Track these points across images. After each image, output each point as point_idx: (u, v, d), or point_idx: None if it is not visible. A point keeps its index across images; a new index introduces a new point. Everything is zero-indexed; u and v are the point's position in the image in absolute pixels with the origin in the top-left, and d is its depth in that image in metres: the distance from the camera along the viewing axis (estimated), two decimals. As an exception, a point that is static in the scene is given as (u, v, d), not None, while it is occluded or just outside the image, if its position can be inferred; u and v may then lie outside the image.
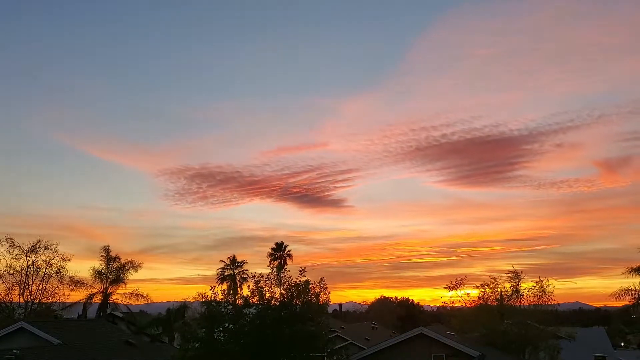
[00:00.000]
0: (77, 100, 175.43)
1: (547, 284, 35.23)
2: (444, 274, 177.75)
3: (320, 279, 28.38)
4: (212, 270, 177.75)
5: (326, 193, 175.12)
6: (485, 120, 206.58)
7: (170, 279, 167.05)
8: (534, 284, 35.52)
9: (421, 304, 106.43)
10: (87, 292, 47.04)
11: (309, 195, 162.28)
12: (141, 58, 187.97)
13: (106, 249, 48.06)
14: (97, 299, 47.45)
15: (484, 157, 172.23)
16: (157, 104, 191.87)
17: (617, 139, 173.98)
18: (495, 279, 36.67)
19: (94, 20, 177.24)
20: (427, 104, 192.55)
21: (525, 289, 35.69)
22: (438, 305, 78.41)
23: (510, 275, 36.13)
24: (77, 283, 45.55)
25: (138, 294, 47.90)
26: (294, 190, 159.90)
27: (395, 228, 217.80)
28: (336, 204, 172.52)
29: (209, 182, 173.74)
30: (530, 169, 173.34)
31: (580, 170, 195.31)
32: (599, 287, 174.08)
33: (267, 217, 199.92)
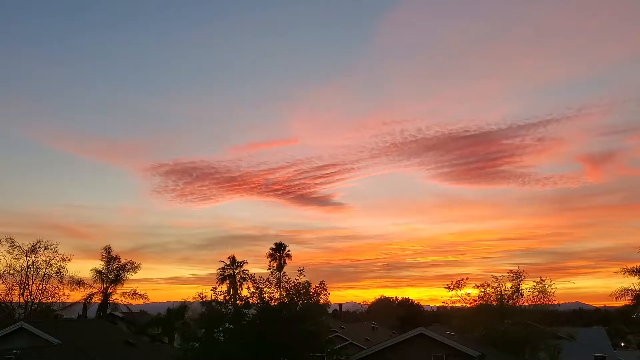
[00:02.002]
0: (35, 92, 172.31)
1: (548, 284, 35.21)
2: (440, 273, 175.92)
3: (321, 281, 28.44)
4: (205, 270, 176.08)
5: (308, 190, 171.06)
6: (461, 112, 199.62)
7: (165, 279, 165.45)
8: (535, 284, 35.50)
9: (421, 304, 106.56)
10: (87, 293, 47.09)
11: (291, 192, 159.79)
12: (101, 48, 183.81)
13: (107, 249, 48.21)
14: (97, 299, 47.48)
15: (463, 153, 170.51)
16: (118, 95, 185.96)
17: (599, 133, 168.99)
18: (497, 278, 36.65)
19: (62, 12, 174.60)
20: (397, 94, 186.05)
21: (526, 288, 35.66)
22: (438, 305, 78.45)
23: (512, 275, 36.13)
24: (77, 283, 45.60)
25: (137, 294, 47.99)
26: (275, 187, 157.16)
27: (388, 227, 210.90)
28: (322, 201, 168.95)
29: (186, 179, 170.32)
30: (513, 165, 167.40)
31: (564, 166, 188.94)
32: (597, 287, 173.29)
33: (254, 216, 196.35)
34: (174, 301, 54.48)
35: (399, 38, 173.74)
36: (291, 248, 67.51)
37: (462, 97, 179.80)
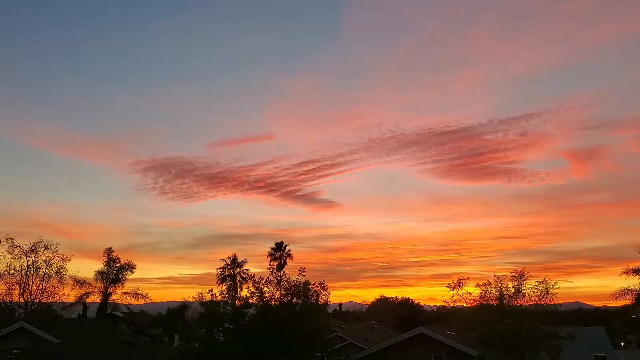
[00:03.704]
0: (11, 88, 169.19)
1: (551, 284, 35.14)
2: (435, 272, 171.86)
3: (321, 280, 28.46)
4: (198, 270, 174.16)
5: (292, 188, 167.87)
6: (439, 106, 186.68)
7: (160, 279, 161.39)
8: (537, 284, 35.44)
9: (420, 303, 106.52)
10: (85, 292, 47.07)
11: (276, 190, 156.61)
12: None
13: (108, 250, 48.31)
14: (97, 299, 47.48)
15: (445, 149, 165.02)
16: (89, 91, 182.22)
17: (582, 127, 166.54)
18: (499, 278, 36.61)
19: (32, 7, 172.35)
20: (371, 86, 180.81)
21: (528, 288, 35.60)
22: (438, 304, 78.43)
23: (514, 274, 36.09)
24: (80, 283, 45.66)
25: (137, 294, 48.01)
26: (259, 185, 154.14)
27: (379, 226, 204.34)
28: (309, 199, 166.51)
29: (165, 177, 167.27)
30: (497, 161, 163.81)
31: (549, 162, 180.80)
32: (595, 287, 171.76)
33: (243, 214, 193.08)
34: (174, 301, 54.57)
35: (367, 24, 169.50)
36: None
37: (439, 90, 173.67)
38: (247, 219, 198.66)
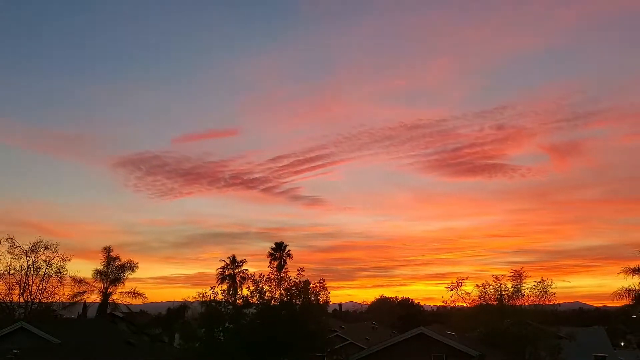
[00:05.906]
0: None
1: (549, 284, 35.16)
2: (431, 272, 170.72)
3: (320, 279, 28.50)
4: (190, 269, 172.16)
5: (270, 184, 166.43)
6: (408, 96, 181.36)
7: (153, 278, 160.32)
8: (535, 284, 35.48)
9: (420, 303, 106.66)
10: (84, 292, 47.01)
11: (254, 187, 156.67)
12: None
13: (107, 249, 48.23)
14: (97, 299, 47.46)
15: (419, 144, 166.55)
16: (47, 84, 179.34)
17: (558, 119, 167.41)
18: (497, 278, 36.63)
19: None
20: (336, 75, 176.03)
21: (527, 288, 35.61)
22: (438, 305, 78.47)
23: (513, 274, 36.10)
24: (77, 282, 45.60)
25: (136, 293, 47.98)
26: (236, 181, 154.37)
27: (369, 224, 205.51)
28: (293, 196, 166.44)
29: (136, 174, 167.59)
30: (474, 156, 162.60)
31: (529, 156, 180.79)
32: (592, 286, 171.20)
33: (229, 212, 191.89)
34: (173, 301, 54.55)
35: (329, 9, 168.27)
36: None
37: (410, 78, 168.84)
38: (235, 217, 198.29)
